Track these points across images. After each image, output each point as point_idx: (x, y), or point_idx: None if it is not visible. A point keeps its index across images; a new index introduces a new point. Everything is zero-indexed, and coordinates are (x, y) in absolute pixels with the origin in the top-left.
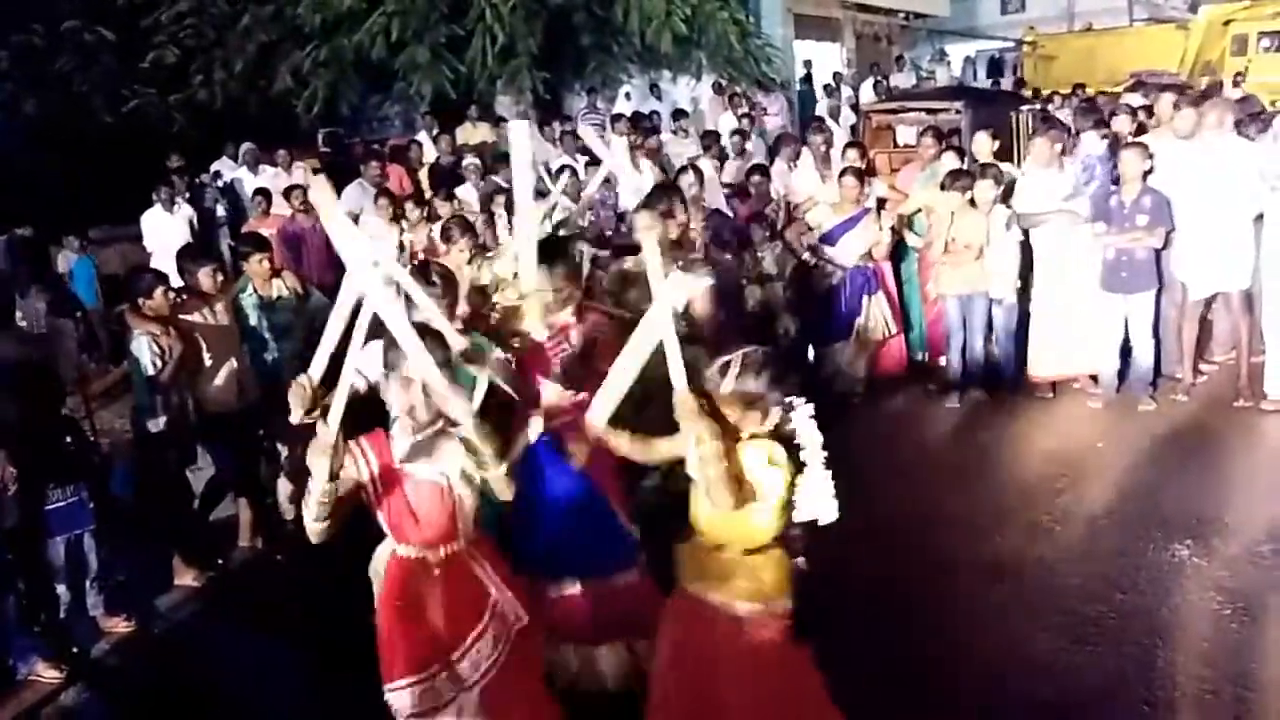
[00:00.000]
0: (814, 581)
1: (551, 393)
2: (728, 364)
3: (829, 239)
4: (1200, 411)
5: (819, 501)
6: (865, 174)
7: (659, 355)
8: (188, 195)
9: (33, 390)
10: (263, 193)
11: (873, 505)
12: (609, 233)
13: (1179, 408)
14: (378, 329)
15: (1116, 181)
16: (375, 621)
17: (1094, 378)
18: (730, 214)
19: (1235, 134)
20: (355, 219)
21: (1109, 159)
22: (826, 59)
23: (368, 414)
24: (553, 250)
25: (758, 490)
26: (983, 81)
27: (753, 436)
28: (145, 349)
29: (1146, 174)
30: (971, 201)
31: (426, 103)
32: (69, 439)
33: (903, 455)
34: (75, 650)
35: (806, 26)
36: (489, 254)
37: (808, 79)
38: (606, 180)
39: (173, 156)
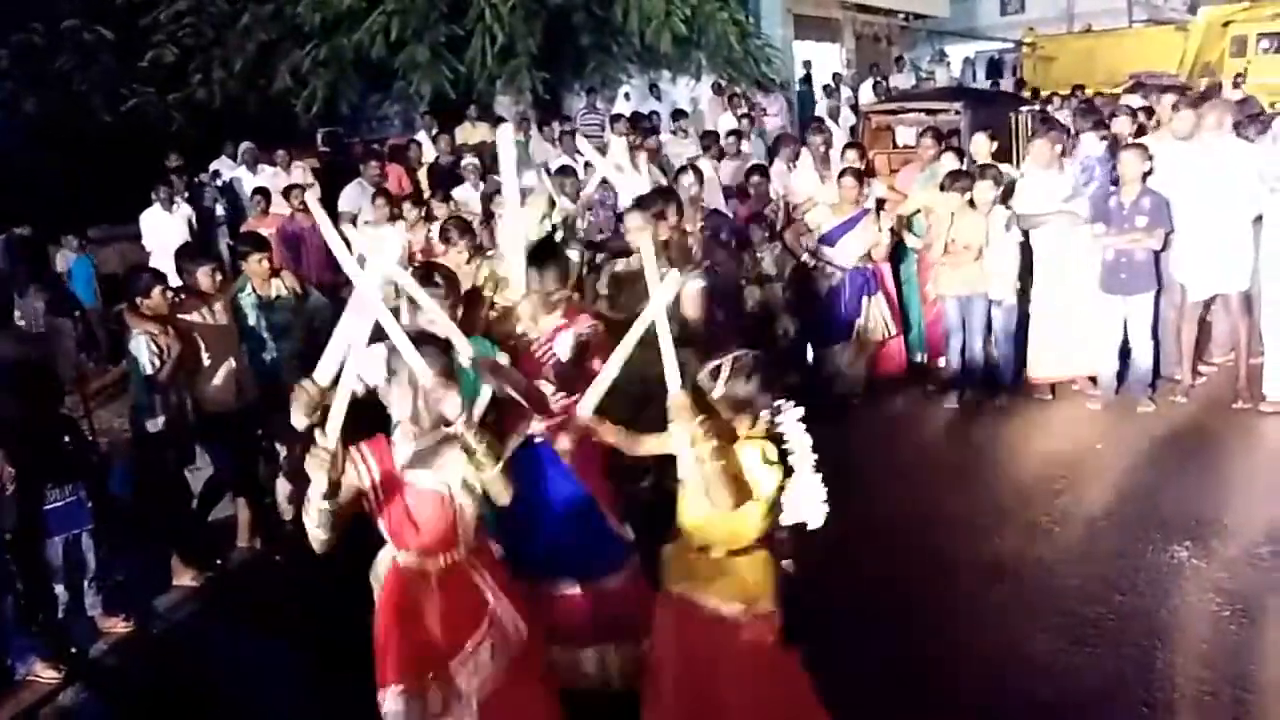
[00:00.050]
0: (814, 582)
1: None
2: (718, 368)
3: (828, 240)
4: (1199, 413)
5: (808, 505)
6: (864, 175)
7: (656, 356)
8: (186, 194)
9: (31, 389)
10: (262, 192)
11: (872, 506)
12: (608, 234)
13: (1178, 409)
14: (380, 333)
15: (1116, 183)
16: (373, 625)
17: (1093, 379)
18: (729, 214)
19: (1234, 135)
20: (354, 219)
21: (1108, 160)
22: (826, 59)
23: (368, 418)
24: (543, 253)
25: (755, 489)
26: (982, 82)
27: (747, 437)
28: (144, 348)
29: (1146, 175)
30: (971, 202)
31: (426, 102)
32: (67, 438)
33: (902, 456)
34: (73, 650)
35: (806, 27)
36: (489, 254)
37: (807, 79)
38: (604, 181)
39: (172, 156)
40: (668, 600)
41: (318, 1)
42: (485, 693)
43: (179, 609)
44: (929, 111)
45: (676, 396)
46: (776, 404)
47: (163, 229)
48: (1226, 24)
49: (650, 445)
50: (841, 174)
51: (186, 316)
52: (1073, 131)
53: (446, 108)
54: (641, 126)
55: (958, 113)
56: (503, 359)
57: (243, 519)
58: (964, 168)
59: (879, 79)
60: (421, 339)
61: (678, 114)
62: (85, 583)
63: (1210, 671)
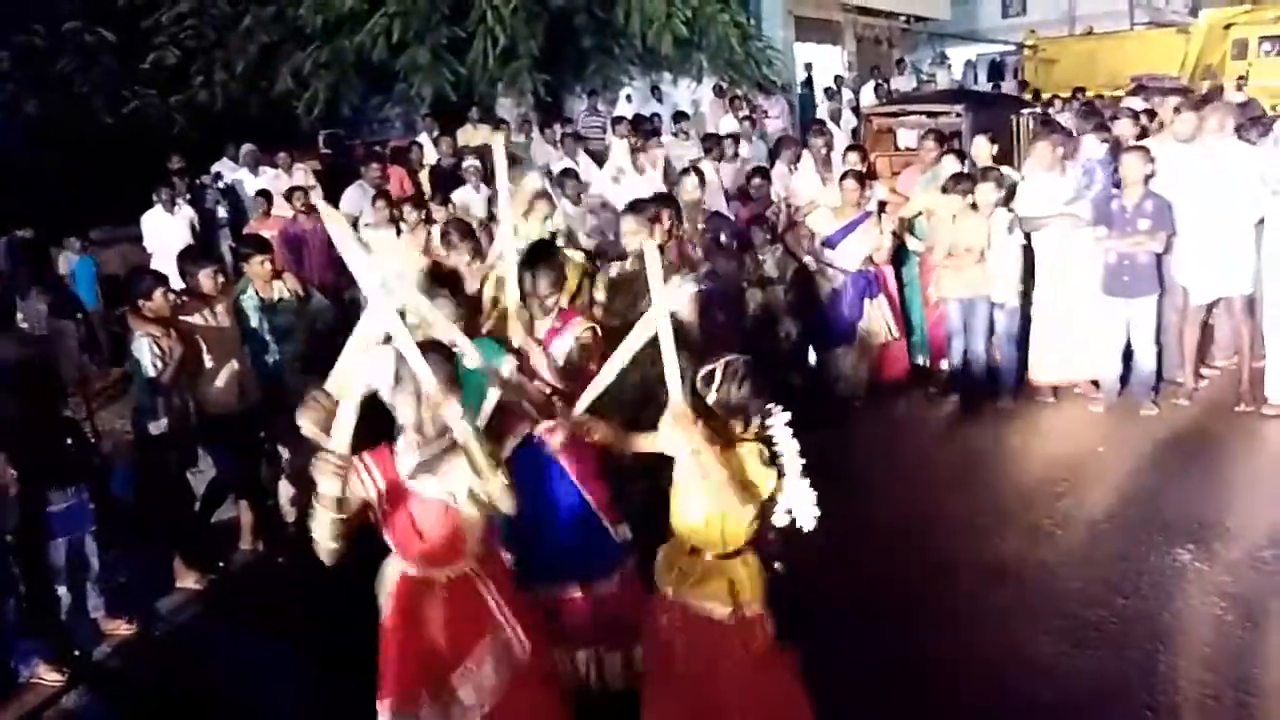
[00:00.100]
0: (817, 583)
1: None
2: (711, 373)
3: (830, 243)
4: (1202, 416)
5: (798, 507)
6: (866, 177)
7: (654, 356)
8: (188, 196)
9: (34, 391)
10: (264, 194)
11: (874, 508)
12: (612, 236)
13: (1180, 412)
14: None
15: (1118, 185)
16: (376, 630)
17: (1095, 382)
18: (731, 217)
19: (1236, 138)
20: (355, 221)
21: (1109, 163)
22: (827, 62)
23: (368, 426)
24: (537, 256)
25: (761, 488)
26: (984, 85)
27: (740, 439)
28: (146, 351)
29: (1148, 178)
30: (973, 205)
31: (427, 104)
32: (70, 440)
33: (904, 459)
34: (77, 652)
35: (807, 29)
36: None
37: (808, 82)
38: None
39: (173, 158)
40: (661, 603)
41: (319, 4)
42: (490, 704)
43: (182, 611)
44: (930, 114)
45: (677, 404)
46: (768, 407)
47: (164, 231)
48: (1228, 27)
49: (644, 444)
50: (843, 177)
51: (188, 319)
52: (1074, 134)
53: (448, 110)
54: (643, 129)
55: (959, 115)
56: (509, 361)
57: (245, 521)
58: (965, 170)
59: (880, 81)
60: (425, 346)
61: (679, 116)
62: (88, 585)
63: (1213, 674)
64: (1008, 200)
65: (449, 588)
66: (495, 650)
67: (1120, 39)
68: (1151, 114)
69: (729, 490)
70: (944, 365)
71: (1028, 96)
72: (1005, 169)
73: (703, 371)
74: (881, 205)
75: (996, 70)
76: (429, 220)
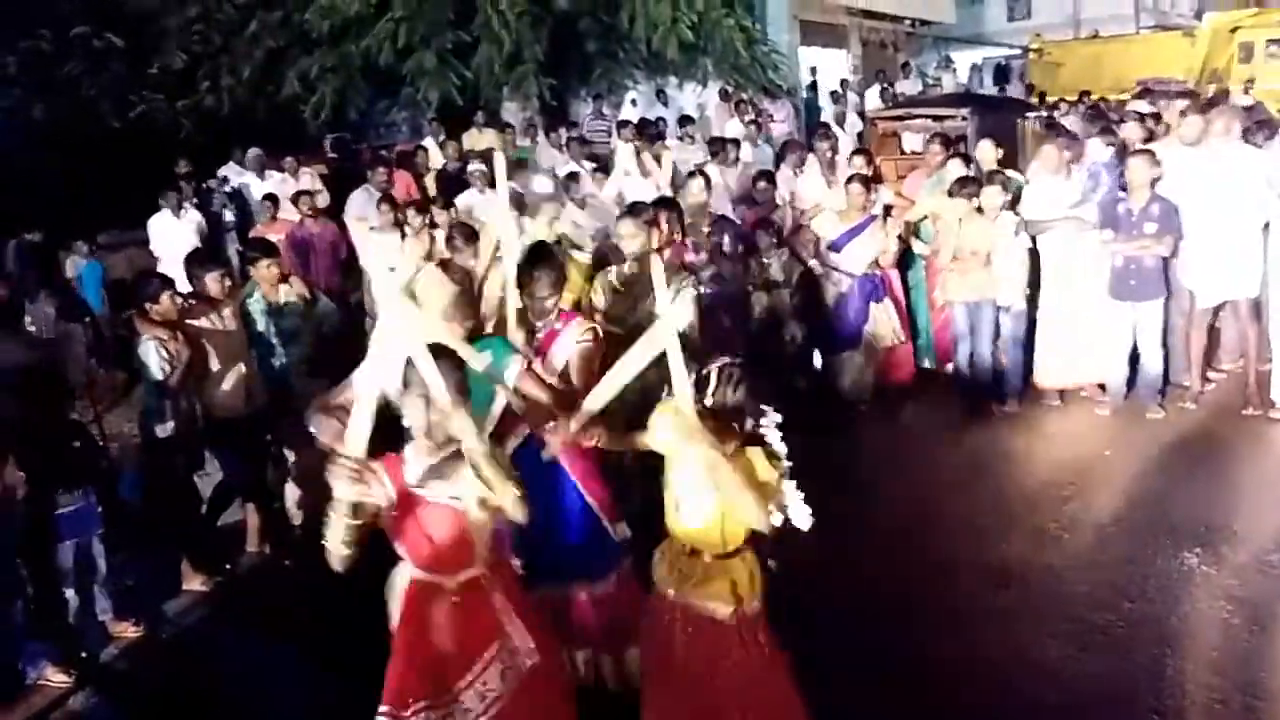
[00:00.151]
0: (819, 585)
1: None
2: (706, 377)
3: (836, 247)
4: (1208, 419)
5: (793, 508)
6: (872, 181)
7: (658, 359)
8: (195, 200)
9: (41, 394)
10: (270, 198)
11: (879, 511)
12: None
13: (1187, 416)
14: None
15: (1124, 189)
16: (384, 635)
17: (1101, 386)
18: (737, 220)
19: (1242, 142)
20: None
21: (1115, 166)
22: (832, 66)
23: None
24: (536, 258)
25: (773, 488)
26: (989, 88)
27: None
28: (153, 354)
29: (1155, 182)
30: (979, 208)
31: (433, 109)
32: (77, 443)
33: (909, 462)
34: (84, 654)
35: (812, 33)
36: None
37: (813, 86)
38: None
39: (180, 162)
40: (661, 603)
41: (326, 8)
42: (495, 709)
43: (189, 613)
44: (936, 118)
45: (690, 419)
46: (761, 408)
47: (172, 235)
48: (1234, 30)
49: (640, 442)
50: (849, 180)
51: (195, 322)
52: (1080, 137)
53: (454, 114)
54: (648, 133)
55: (964, 119)
56: (517, 361)
57: (252, 524)
58: (971, 174)
59: (885, 85)
60: (434, 351)
61: (684, 120)
62: (95, 587)
63: (1220, 679)
64: (1013, 204)
65: (459, 593)
66: (503, 656)
67: (1126, 42)
68: (1158, 117)
69: (744, 494)
70: (950, 369)
71: (1033, 100)
72: (1011, 172)
73: (696, 376)
74: (887, 209)
75: (1002, 74)
76: (433, 225)
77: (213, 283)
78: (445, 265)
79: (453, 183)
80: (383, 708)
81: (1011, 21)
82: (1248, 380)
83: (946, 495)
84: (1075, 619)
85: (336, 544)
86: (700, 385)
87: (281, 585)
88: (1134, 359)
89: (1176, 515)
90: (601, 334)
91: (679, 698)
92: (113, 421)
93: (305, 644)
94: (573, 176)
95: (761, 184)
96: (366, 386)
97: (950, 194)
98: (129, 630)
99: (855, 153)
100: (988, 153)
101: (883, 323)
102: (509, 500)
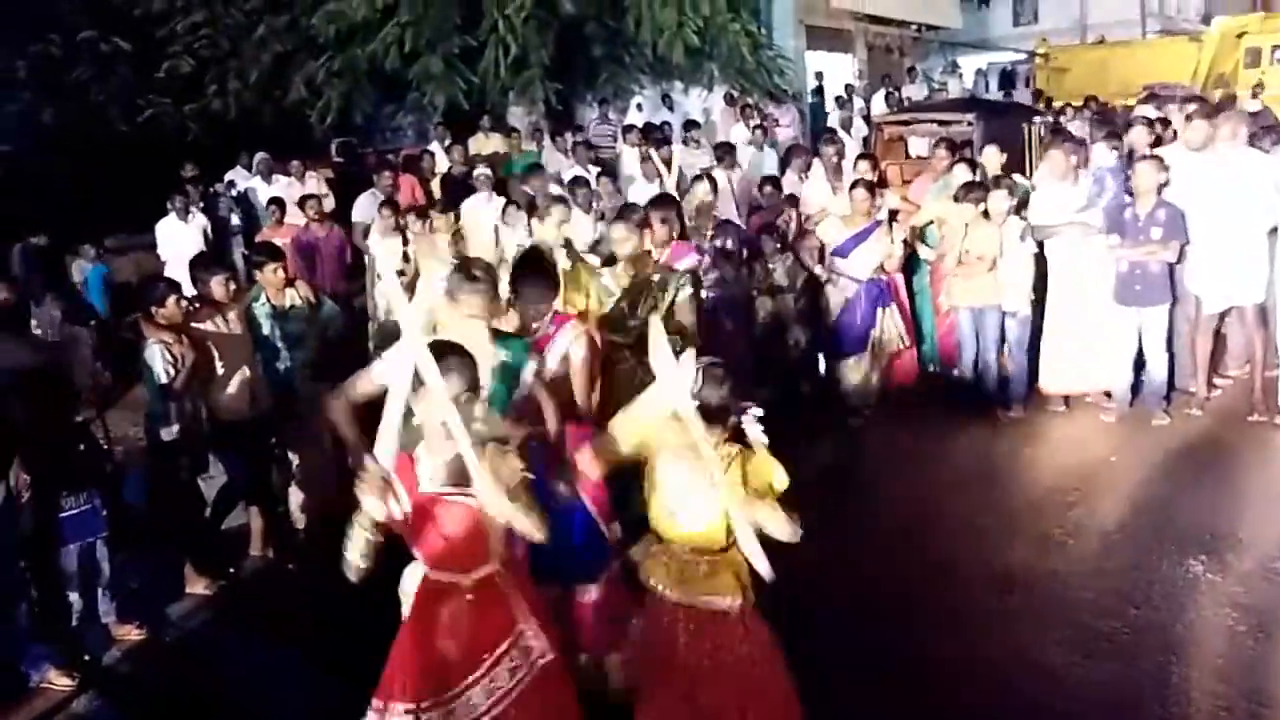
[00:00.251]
0: (821, 587)
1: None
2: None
3: (841, 251)
4: (1214, 426)
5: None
6: (877, 186)
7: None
8: (202, 204)
9: (47, 397)
10: (277, 202)
11: (884, 516)
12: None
13: (1193, 422)
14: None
15: (1130, 194)
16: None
17: (1107, 391)
18: (741, 225)
19: (1249, 147)
20: (366, 230)
21: (1121, 171)
22: (838, 70)
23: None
24: (526, 264)
25: (776, 481)
26: (995, 93)
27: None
28: (158, 357)
29: (1161, 187)
30: (985, 213)
31: (439, 113)
32: (82, 446)
33: (915, 468)
34: (87, 658)
35: (818, 38)
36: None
37: (819, 91)
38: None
39: (187, 166)
40: (660, 606)
41: (332, 13)
42: (502, 706)
43: (192, 617)
44: (942, 122)
45: (710, 455)
46: (742, 405)
47: (178, 239)
48: (1240, 35)
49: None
50: (854, 185)
51: (201, 326)
52: (1086, 142)
53: (460, 118)
54: (654, 137)
55: (970, 124)
56: (533, 361)
57: (256, 527)
58: (977, 179)
59: (891, 90)
60: (445, 348)
61: (690, 124)
62: (99, 590)
63: (1225, 686)
64: (1019, 209)
65: (474, 590)
66: (515, 653)
67: (1132, 47)
68: (1164, 122)
69: (754, 498)
70: (955, 374)
71: (1040, 105)
72: (1017, 177)
73: None
74: (893, 214)
75: (1008, 79)
76: (432, 230)
77: (218, 286)
78: (468, 264)
79: (458, 187)
80: (375, 701)
81: (1017, 26)
82: (1254, 386)
83: (951, 500)
84: (1079, 625)
85: (355, 557)
86: None
87: (285, 589)
88: (1139, 365)
89: (1182, 522)
90: (596, 338)
91: (679, 699)
92: (118, 424)
93: (309, 648)
94: (577, 181)
95: (767, 189)
96: (394, 399)
97: (956, 199)
98: (132, 633)
99: (861, 157)
100: (993, 158)
101: (890, 328)
102: (528, 527)
